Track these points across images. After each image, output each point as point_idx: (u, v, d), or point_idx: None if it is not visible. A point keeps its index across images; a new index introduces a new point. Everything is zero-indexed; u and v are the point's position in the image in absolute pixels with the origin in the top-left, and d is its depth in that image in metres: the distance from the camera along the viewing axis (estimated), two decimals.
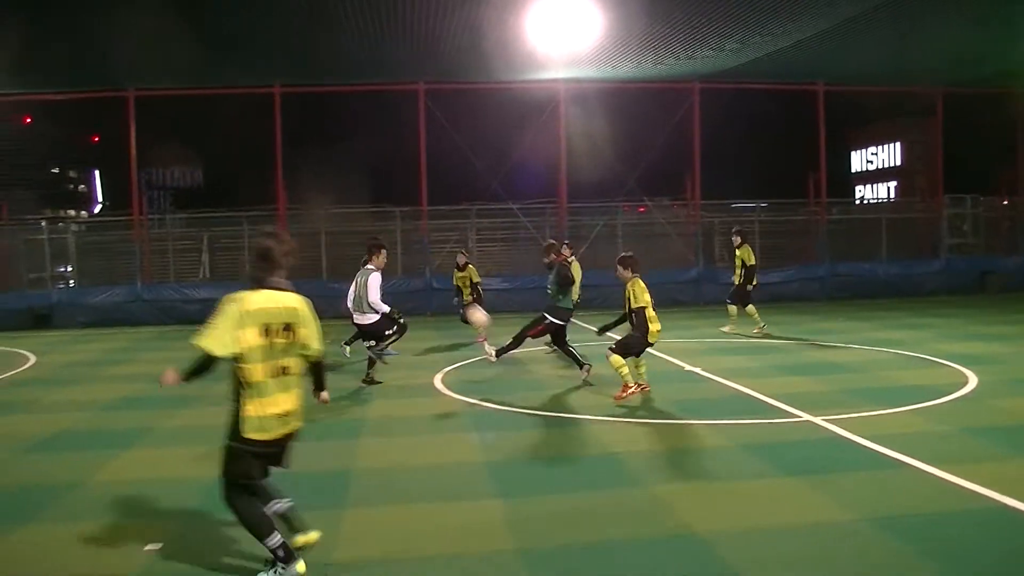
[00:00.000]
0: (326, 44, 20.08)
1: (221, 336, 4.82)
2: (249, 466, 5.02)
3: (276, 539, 4.98)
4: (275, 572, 4.96)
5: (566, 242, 16.28)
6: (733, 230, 17.73)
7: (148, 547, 5.71)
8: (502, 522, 6.13)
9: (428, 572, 5.27)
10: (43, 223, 27.31)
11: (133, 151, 24.47)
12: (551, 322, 11.94)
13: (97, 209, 53.84)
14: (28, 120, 41.35)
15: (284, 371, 5.01)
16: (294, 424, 5.12)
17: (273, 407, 4.94)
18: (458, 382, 12.16)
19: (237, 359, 4.87)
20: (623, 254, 10.90)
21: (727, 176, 32.62)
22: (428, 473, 7.51)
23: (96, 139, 51.36)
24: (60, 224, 31.32)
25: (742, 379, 11.44)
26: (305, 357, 5.17)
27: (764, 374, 12.03)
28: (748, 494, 6.62)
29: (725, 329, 17.16)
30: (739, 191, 30.90)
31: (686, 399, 10.44)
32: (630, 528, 5.94)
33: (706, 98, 25.55)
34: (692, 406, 9.95)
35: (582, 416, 9.62)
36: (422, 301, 23.74)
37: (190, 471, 7.60)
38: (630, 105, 27.69)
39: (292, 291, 5.15)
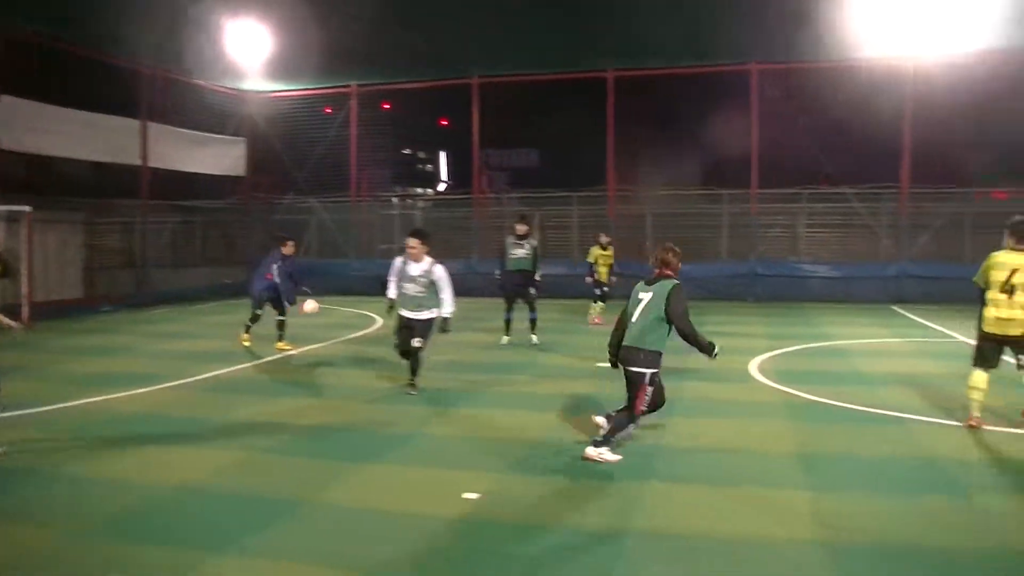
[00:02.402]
0: (656, 27, 20.23)
1: None
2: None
3: None
4: None
5: None
6: None
7: (467, 495, 6.24)
8: (807, 513, 5.99)
9: (725, 552, 5.29)
10: (394, 200, 29.94)
11: (476, 134, 26.24)
12: None
13: (442, 187, 58.01)
14: (387, 106, 45.40)
15: None
16: None
17: None
18: (774, 370, 11.89)
19: None
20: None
21: None
22: (737, 457, 7.48)
23: (445, 123, 55.21)
24: (409, 201, 34.19)
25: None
26: None
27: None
28: None
29: None
30: None
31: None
32: (945, 538, 5.57)
33: None
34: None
35: (903, 415, 9.07)
36: (745, 285, 23.35)
37: (514, 434, 8.18)
38: (988, 81, 25.16)
39: None
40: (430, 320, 10.09)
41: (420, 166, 63.65)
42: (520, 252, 14.30)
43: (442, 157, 62.86)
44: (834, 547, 5.36)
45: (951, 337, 15.62)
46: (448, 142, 56.03)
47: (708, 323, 17.72)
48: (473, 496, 6.27)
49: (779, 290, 23.09)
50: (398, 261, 10.26)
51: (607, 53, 23.41)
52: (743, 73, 24.13)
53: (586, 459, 7.17)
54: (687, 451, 7.69)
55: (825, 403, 9.72)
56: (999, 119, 23.78)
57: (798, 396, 10.12)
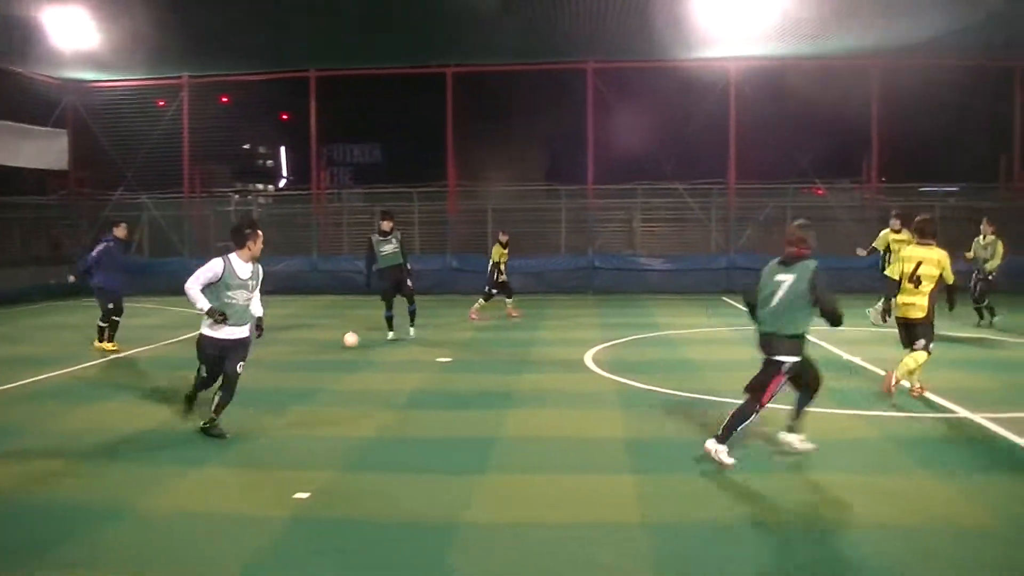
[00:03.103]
0: (497, 24, 20.42)
1: None
2: None
3: None
4: None
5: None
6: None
7: (298, 494, 6.17)
8: (632, 496, 6.23)
9: (554, 538, 5.44)
10: (233, 195, 29.08)
11: (313, 129, 25.81)
12: None
13: (282, 183, 56.76)
14: (225, 99, 43.99)
15: None
16: None
17: None
18: (608, 361, 12.25)
19: None
20: None
21: (913, 158, 30.95)
22: (569, 445, 7.68)
23: (286, 117, 53.99)
24: (248, 197, 33.29)
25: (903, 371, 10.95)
26: None
27: (928, 367, 11.48)
28: (887, 489, 6.41)
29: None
30: (925, 174, 29.18)
31: (841, 389, 10.11)
32: (760, 512, 5.92)
33: (890, 75, 24.38)
34: (846, 396, 9.65)
35: (730, 400, 9.51)
36: (584, 279, 23.94)
37: (348, 430, 8.14)
38: (805, 83, 26.64)
39: None
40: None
41: (260, 161, 61.98)
42: (389, 248, 14.16)
43: (283, 152, 61.43)
44: (657, 528, 5.60)
45: None
46: (289, 137, 54.78)
47: (548, 316, 18.12)
48: (304, 495, 6.20)
49: (616, 283, 23.77)
50: (219, 265, 7.99)
51: (447, 49, 23.46)
52: (580, 71, 24.68)
53: (705, 454, 6.86)
54: (522, 441, 7.84)
55: (655, 391, 10.09)
56: (817, 120, 25.30)
57: (630, 385, 10.46)
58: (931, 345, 9.34)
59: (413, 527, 5.64)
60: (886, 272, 10.10)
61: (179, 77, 25.55)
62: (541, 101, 31.34)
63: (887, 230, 15.67)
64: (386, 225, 14.26)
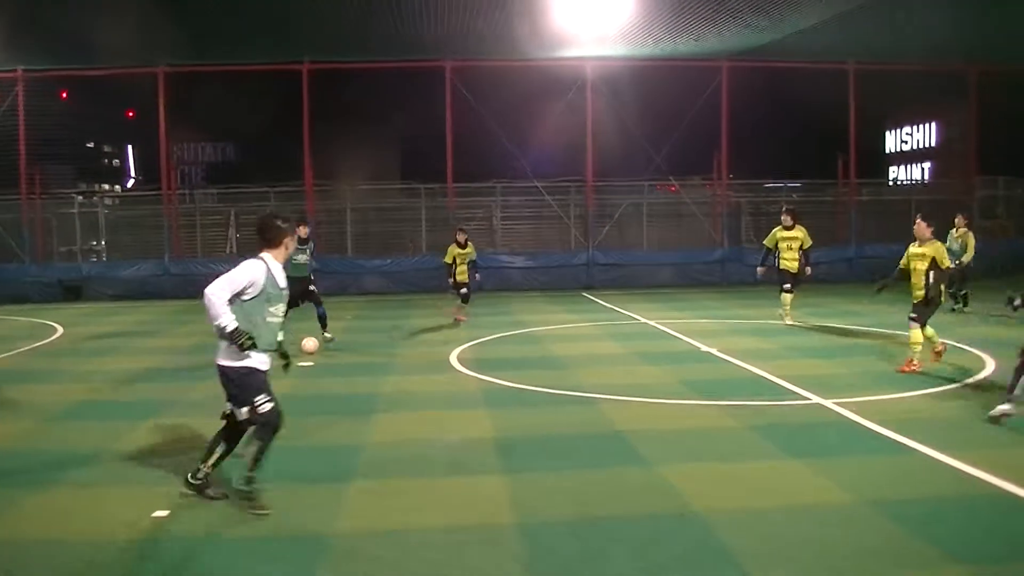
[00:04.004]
0: (354, 20, 20.13)
1: None
2: None
3: None
4: None
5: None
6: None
7: (157, 513, 5.88)
8: (504, 496, 6.23)
9: (426, 543, 5.37)
10: (77, 197, 27.62)
11: (163, 127, 24.77)
12: None
13: (130, 184, 54.41)
14: (65, 95, 41.84)
15: None
16: None
17: None
18: (474, 360, 12.25)
19: None
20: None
21: (758, 156, 32.34)
22: (438, 448, 7.61)
23: (131, 114, 51.80)
24: (94, 198, 31.65)
25: (757, 360, 11.42)
26: None
27: (780, 356, 12.02)
28: (751, 475, 6.65)
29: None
30: (770, 171, 30.57)
31: (699, 379, 10.45)
32: (630, 506, 6.01)
33: (738, 76, 25.36)
34: (704, 387, 9.96)
35: (594, 395, 9.67)
36: (446, 278, 23.87)
37: (203, 443, 7.76)
38: (659, 83, 27.45)
39: None
40: None
41: (106, 161, 59.24)
42: (303, 257, 13.39)
43: (130, 151, 58.87)
44: (529, 527, 5.60)
45: (634, 319, 16.86)
46: (137, 135, 52.57)
47: (413, 316, 18.02)
48: (164, 513, 5.89)
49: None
50: (260, 269, 6.09)
51: (303, 46, 22.94)
52: (438, 69, 24.60)
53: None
54: (390, 446, 7.73)
55: (521, 388, 10.14)
56: (671, 119, 26.12)
57: (496, 383, 10.49)
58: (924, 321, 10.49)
59: (281, 541, 5.45)
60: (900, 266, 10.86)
61: (13, 71, 24.03)
62: (400, 99, 31.18)
63: (778, 227, 15.59)
64: (303, 231, 13.42)
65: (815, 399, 9.11)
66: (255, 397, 5.93)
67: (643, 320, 16.54)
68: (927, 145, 52.77)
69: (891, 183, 47.11)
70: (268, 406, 5.95)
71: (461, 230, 17.27)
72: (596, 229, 25.02)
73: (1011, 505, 5.90)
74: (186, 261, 24.22)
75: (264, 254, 6.15)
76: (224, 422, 6.21)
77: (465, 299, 16.81)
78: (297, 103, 24.42)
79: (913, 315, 10.53)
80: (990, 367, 10.76)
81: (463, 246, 16.75)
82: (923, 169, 52.13)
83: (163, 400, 9.79)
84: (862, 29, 20.91)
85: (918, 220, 10.84)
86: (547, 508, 5.97)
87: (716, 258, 25.04)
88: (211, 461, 6.21)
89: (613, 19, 20.12)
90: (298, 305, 13.55)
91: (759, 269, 16.04)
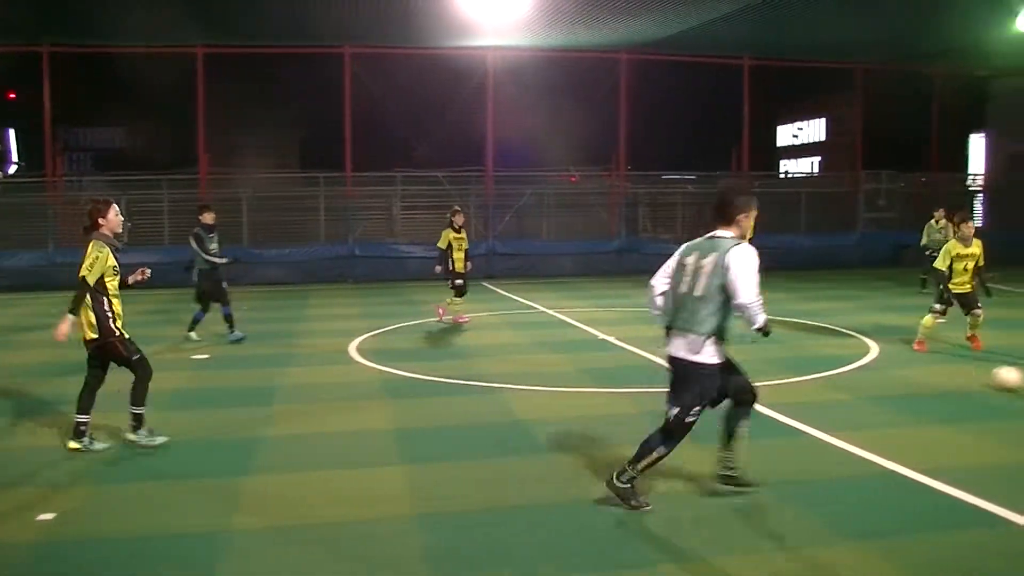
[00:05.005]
0: (249, 3, 19.69)
1: None
2: None
3: None
4: None
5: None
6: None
7: (42, 516, 5.66)
8: (404, 488, 6.21)
9: (323, 537, 5.32)
10: None
11: (47, 110, 23.76)
12: None
13: (12, 170, 52.07)
14: None
15: None
16: None
17: None
18: (373, 350, 12.17)
19: None
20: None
21: (657, 148, 32.92)
22: (337, 440, 7.55)
23: (13, 96, 49.58)
24: None
25: (654, 348, 11.60)
26: None
27: None
28: None
29: None
30: (669, 163, 31.17)
31: (598, 367, 10.63)
32: (532, 495, 6.06)
33: (637, 70, 25.75)
34: (603, 374, 10.14)
35: (494, 384, 9.72)
36: (345, 268, 23.68)
37: (100, 439, 7.52)
38: (560, 75, 27.67)
39: None
40: None
41: None
42: (216, 247, 12.82)
43: (11, 135, 56.30)
44: (427, 517, 5.61)
45: (533, 308, 17.00)
46: (18, 118, 50.28)
47: (309, 306, 17.80)
48: (49, 516, 5.65)
49: (378, 271, 23.65)
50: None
51: (198, 27, 22.28)
52: (337, 55, 24.25)
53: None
54: (289, 439, 7.62)
55: (421, 378, 10.12)
56: (571, 110, 26.40)
57: (396, 374, 10.45)
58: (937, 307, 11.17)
59: (177, 539, 5.31)
60: (935, 265, 11.22)
61: None
62: (298, 86, 30.64)
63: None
64: (210, 217, 12.93)
65: None
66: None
67: (542, 309, 16.71)
68: (816, 139, 54.65)
69: (782, 175, 48.65)
70: None
71: (457, 211, 14.95)
72: (496, 219, 25.10)
73: (897, 483, 6.21)
74: (74, 251, 23.25)
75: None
76: None
77: (460, 292, 14.69)
78: (192, 88, 23.75)
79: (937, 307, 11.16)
80: (874, 352, 11.25)
81: (459, 230, 14.65)
82: (812, 163, 53.92)
83: (55, 396, 9.38)
84: (756, 25, 21.44)
85: (968, 223, 11.16)
86: (448, 499, 5.98)
87: (614, 248, 25.41)
88: None
89: (516, 8, 20.14)
90: (213, 299, 13.04)
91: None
